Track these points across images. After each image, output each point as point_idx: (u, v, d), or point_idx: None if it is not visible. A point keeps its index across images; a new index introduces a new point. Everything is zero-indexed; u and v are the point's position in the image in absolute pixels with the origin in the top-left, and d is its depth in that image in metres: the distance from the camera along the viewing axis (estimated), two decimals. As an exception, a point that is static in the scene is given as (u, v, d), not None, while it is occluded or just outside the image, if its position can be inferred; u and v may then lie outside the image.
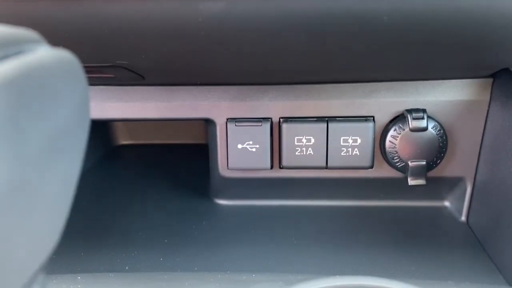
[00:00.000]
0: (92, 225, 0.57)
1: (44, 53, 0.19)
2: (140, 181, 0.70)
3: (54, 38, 0.39)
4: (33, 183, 0.16)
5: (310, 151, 0.54)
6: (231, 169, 0.56)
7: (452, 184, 0.57)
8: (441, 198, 0.59)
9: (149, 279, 0.42)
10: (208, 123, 0.58)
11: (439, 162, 0.54)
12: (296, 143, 0.54)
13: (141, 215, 0.60)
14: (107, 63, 0.46)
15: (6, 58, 0.17)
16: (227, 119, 0.55)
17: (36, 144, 0.16)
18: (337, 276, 0.40)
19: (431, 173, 0.55)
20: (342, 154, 0.54)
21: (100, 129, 0.83)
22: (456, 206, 0.58)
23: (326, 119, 0.54)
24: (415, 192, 0.58)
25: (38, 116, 0.16)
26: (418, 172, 0.53)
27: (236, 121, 0.55)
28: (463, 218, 0.56)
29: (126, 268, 0.49)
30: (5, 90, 0.15)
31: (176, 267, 0.48)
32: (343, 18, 0.35)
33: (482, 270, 0.47)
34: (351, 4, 0.33)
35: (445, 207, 0.59)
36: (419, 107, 0.54)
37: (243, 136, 0.55)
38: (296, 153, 0.55)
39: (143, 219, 0.59)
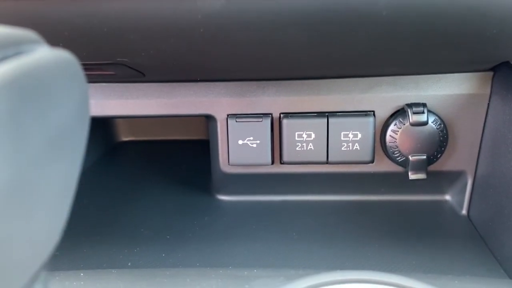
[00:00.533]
0: (94, 221, 0.58)
1: (43, 53, 0.19)
2: (142, 177, 0.71)
3: (53, 37, 0.39)
4: (33, 183, 0.17)
5: (310, 146, 0.54)
6: (232, 165, 0.57)
7: (453, 177, 0.58)
8: (442, 191, 0.60)
9: (151, 275, 0.43)
10: (208, 119, 0.58)
11: (440, 156, 0.54)
12: (296, 139, 0.54)
13: (143, 211, 0.60)
14: (107, 60, 0.46)
15: (5, 59, 0.17)
16: (228, 115, 0.55)
17: (36, 144, 0.16)
18: (338, 270, 0.40)
19: (432, 167, 0.55)
20: (342, 149, 0.54)
21: (102, 126, 0.83)
22: (457, 199, 0.58)
23: (327, 114, 0.54)
24: (416, 186, 0.59)
25: (38, 116, 0.17)
26: (419, 166, 0.53)
27: (236, 117, 0.55)
28: (464, 211, 0.57)
29: (129, 264, 0.49)
30: (4, 91, 0.15)
31: (178, 263, 0.48)
32: (341, 14, 0.35)
33: (482, 264, 0.47)
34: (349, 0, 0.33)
35: (446, 201, 0.59)
36: (419, 101, 0.53)
37: (243, 132, 0.55)
38: (297, 149, 0.55)
39: (145, 215, 0.59)
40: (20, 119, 0.15)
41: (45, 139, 0.17)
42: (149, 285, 0.41)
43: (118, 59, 0.45)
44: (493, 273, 0.46)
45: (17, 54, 0.18)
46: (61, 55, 0.20)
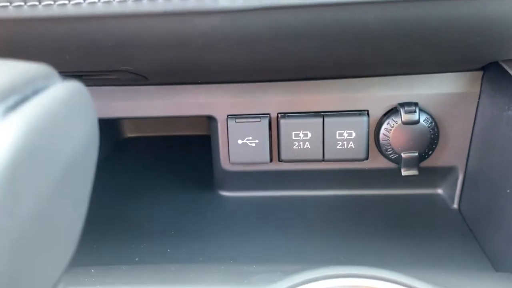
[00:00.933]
0: (101, 218, 0.61)
1: (57, 89, 0.22)
2: (147, 173, 0.73)
3: (61, 51, 0.41)
4: (52, 209, 0.19)
5: (307, 145, 0.57)
6: (233, 163, 0.59)
7: (444, 173, 0.60)
8: (434, 186, 0.62)
9: (157, 271, 0.46)
10: (210, 119, 0.61)
11: (431, 153, 0.57)
12: (293, 138, 0.57)
13: (148, 207, 0.63)
14: (112, 68, 0.48)
15: (25, 101, 0.20)
16: (228, 116, 0.58)
17: (53, 178, 0.19)
18: (331, 266, 0.43)
19: (425, 163, 0.58)
20: (338, 147, 0.57)
21: (107, 123, 0.85)
22: (448, 193, 0.60)
23: (322, 114, 0.56)
24: (409, 180, 0.61)
25: (55, 152, 0.19)
26: (411, 163, 0.56)
27: (236, 118, 0.57)
28: (455, 205, 0.59)
29: (136, 259, 0.52)
30: (28, 136, 0.17)
31: (182, 258, 0.51)
32: (332, 29, 0.37)
33: (470, 257, 0.50)
34: (338, 16, 0.35)
35: (438, 195, 0.62)
36: (411, 100, 0.56)
37: (243, 132, 0.57)
38: (294, 147, 0.57)
39: (151, 211, 0.62)
40: (39, 158, 0.18)
41: (60, 171, 0.19)
42: (156, 281, 0.44)
43: (122, 67, 0.48)
44: (479, 266, 0.48)
45: (34, 93, 0.21)
46: (73, 88, 0.23)
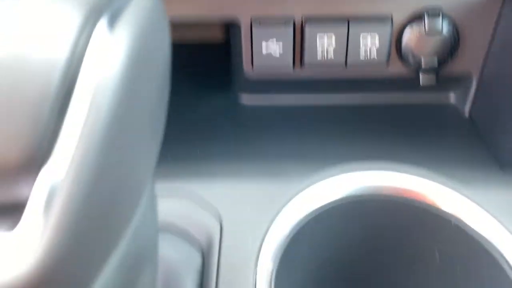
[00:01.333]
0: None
1: (137, 2, 0.22)
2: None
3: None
4: (152, 121, 0.21)
5: (331, 50, 0.58)
6: (256, 70, 0.60)
7: (459, 79, 0.62)
8: (448, 91, 0.64)
9: (195, 167, 0.49)
10: (231, 26, 0.60)
11: (450, 60, 0.58)
12: (318, 43, 0.58)
13: (172, 112, 0.64)
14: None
15: (123, 9, 0.21)
16: (252, 20, 0.57)
17: (154, 90, 0.21)
18: (355, 161, 0.46)
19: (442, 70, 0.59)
20: (361, 53, 0.58)
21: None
22: (461, 101, 0.63)
23: (347, 19, 0.57)
24: (423, 88, 0.63)
25: (154, 63, 0.21)
26: (430, 71, 0.58)
27: (260, 22, 0.57)
28: (467, 112, 0.62)
29: (169, 158, 0.55)
30: (136, 47, 0.19)
31: (214, 157, 0.55)
32: None
33: (478, 158, 0.54)
34: None
35: (452, 102, 0.64)
36: (435, 5, 0.56)
37: (266, 37, 0.58)
38: (318, 53, 0.58)
39: (175, 115, 0.64)
40: (146, 69, 0.20)
41: (159, 82, 0.21)
42: (196, 175, 0.47)
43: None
44: (486, 165, 0.53)
45: (121, 8, 0.21)
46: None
